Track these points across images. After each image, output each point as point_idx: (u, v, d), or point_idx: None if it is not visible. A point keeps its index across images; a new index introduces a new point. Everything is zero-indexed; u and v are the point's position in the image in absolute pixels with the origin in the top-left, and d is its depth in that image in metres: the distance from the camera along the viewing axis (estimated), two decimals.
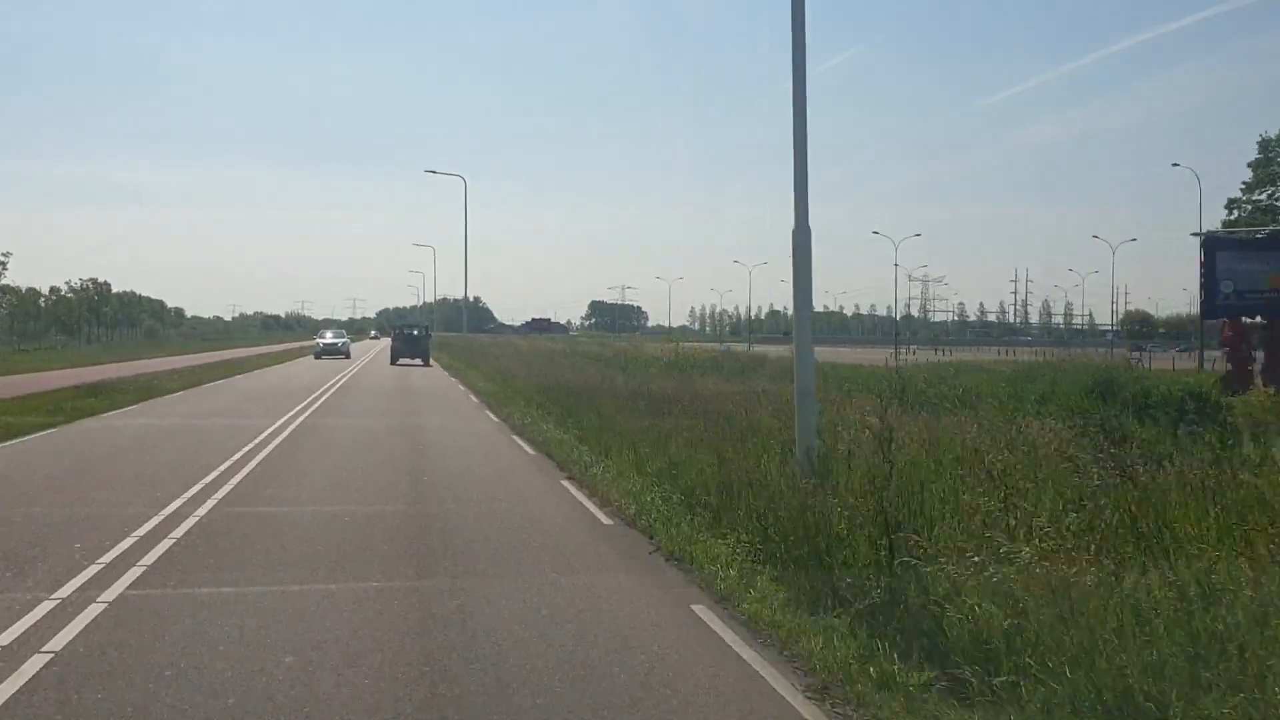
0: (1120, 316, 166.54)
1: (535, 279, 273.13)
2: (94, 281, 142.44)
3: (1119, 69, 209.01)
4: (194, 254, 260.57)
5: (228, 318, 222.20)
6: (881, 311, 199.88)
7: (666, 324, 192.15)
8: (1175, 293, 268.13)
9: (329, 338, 67.64)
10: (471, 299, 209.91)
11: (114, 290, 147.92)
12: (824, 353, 58.27)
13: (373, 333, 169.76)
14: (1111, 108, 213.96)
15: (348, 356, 62.46)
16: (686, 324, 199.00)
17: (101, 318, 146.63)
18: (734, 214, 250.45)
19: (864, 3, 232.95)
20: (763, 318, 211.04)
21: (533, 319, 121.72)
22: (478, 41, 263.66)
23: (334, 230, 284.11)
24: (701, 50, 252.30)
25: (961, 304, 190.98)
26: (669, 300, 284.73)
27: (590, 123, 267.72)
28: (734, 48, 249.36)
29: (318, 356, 61.46)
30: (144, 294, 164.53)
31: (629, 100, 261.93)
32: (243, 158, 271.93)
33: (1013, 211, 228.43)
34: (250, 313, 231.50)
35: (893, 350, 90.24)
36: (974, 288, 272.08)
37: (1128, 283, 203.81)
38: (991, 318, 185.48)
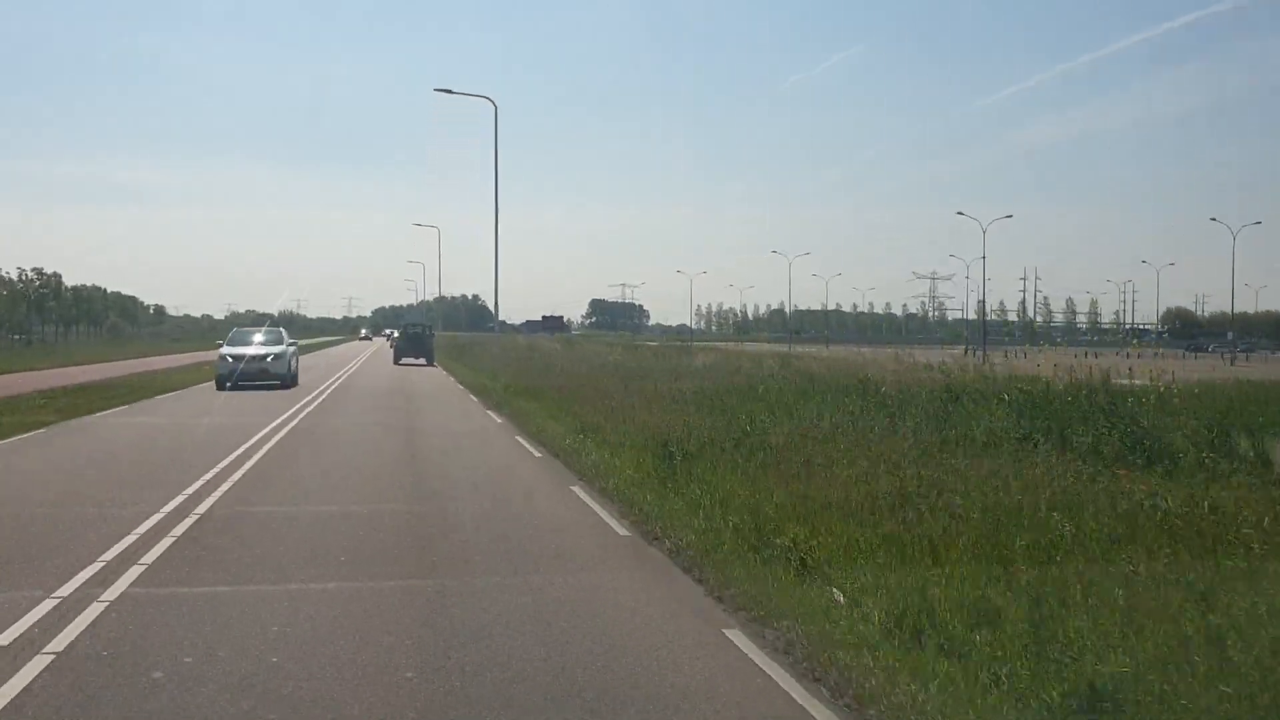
0: (1160, 313, 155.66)
1: (534, 277, 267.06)
2: (39, 273, 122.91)
3: (1118, 68, 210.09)
4: (194, 254, 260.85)
5: (218, 316, 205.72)
6: (887, 310, 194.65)
7: (666, 323, 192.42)
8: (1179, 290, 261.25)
9: (256, 344, 31.86)
10: (470, 297, 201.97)
11: (72, 284, 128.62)
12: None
13: (363, 332, 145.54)
14: (1111, 107, 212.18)
15: (286, 384, 30.85)
16: (684, 323, 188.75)
17: (47, 313, 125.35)
18: (733, 213, 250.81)
19: (864, 2, 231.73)
20: (765, 315, 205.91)
21: (543, 316, 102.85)
22: (478, 41, 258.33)
23: (333, 230, 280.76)
24: (701, 50, 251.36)
25: (981, 302, 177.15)
26: (690, 298, 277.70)
27: (590, 122, 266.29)
28: (734, 48, 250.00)
29: (222, 385, 29.76)
30: (112, 289, 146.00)
31: (628, 99, 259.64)
32: (243, 158, 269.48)
33: (1010, 211, 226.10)
34: (242, 311, 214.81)
35: (953, 350, 73.47)
36: (971, 286, 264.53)
37: (1134, 281, 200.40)
38: (1012, 316, 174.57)
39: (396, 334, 64.46)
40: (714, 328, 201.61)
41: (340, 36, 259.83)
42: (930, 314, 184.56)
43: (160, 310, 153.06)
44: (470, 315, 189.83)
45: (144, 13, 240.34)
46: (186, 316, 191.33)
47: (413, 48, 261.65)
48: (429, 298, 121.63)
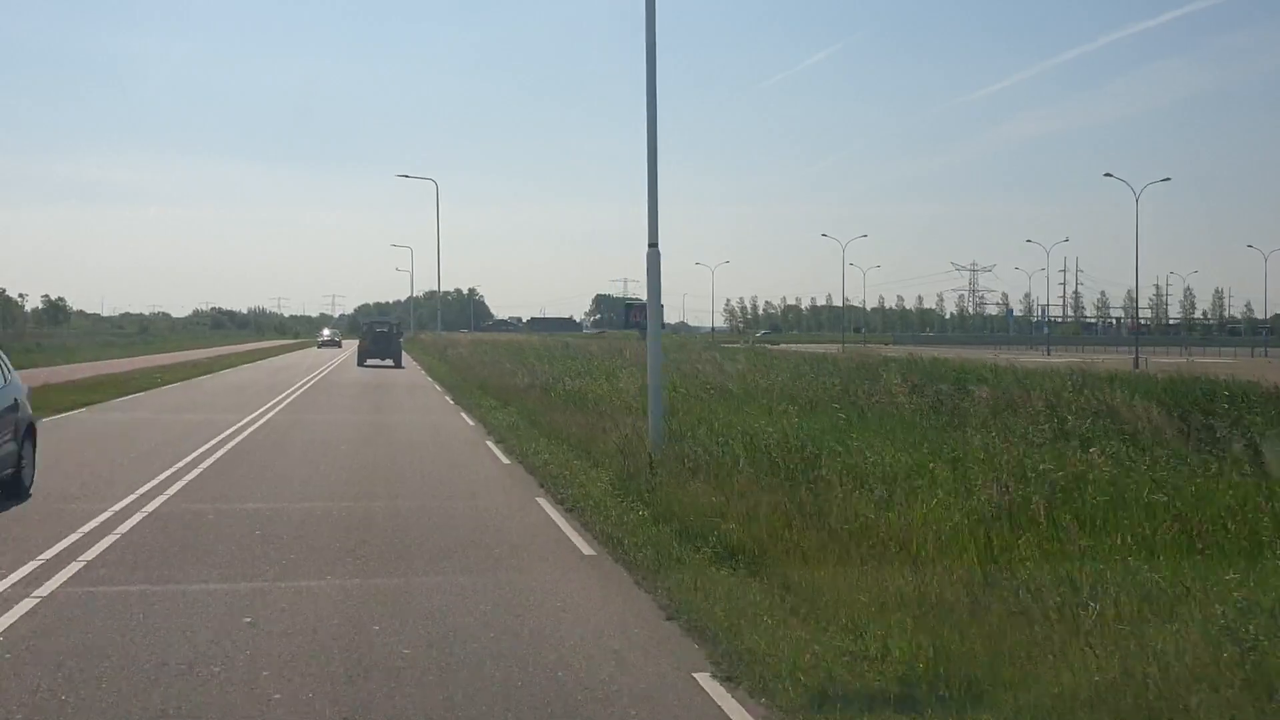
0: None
1: (534, 272, 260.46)
2: None
3: (1098, 65, 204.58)
4: (178, 253, 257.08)
5: (176, 315, 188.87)
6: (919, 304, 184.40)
7: (669, 319, 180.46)
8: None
9: None
10: (466, 292, 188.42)
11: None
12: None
13: (326, 333, 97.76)
14: (1092, 104, 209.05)
15: None
16: (682, 320, 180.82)
17: None
18: (719, 211, 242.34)
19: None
20: (773, 312, 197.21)
21: (627, 305, 66.79)
22: (479, 39, 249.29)
23: (321, 229, 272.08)
24: (683, 45, 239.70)
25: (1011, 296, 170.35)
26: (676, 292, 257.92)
27: (589, 118, 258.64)
28: (726, 47, 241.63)
29: None
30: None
31: (626, 95, 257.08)
32: (226, 157, 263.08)
33: (1001, 207, 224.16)
34: (206, 309, 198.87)
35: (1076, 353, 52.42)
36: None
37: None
38: (1054, 313, 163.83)
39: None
40: (738, 326, 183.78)
41: (329, 35, 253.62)
42: (971, 308, 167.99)
43: (58, 305, 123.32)
44: (465, 312, 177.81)
45: (129, 12, 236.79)
46: (163, 314, 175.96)
47: (407, 44, 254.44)
48: (419, 294, 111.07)
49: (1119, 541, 7.64)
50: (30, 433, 12.13)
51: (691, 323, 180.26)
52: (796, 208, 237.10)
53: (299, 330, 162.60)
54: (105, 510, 10.84)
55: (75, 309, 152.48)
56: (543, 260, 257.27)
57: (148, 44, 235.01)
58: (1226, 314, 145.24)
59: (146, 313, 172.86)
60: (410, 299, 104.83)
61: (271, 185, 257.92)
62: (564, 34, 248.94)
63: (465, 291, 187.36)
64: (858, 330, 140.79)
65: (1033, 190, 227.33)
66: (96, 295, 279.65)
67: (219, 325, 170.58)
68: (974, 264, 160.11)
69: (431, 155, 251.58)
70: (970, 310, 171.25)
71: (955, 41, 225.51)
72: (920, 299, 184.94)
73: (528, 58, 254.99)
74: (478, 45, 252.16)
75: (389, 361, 47.90)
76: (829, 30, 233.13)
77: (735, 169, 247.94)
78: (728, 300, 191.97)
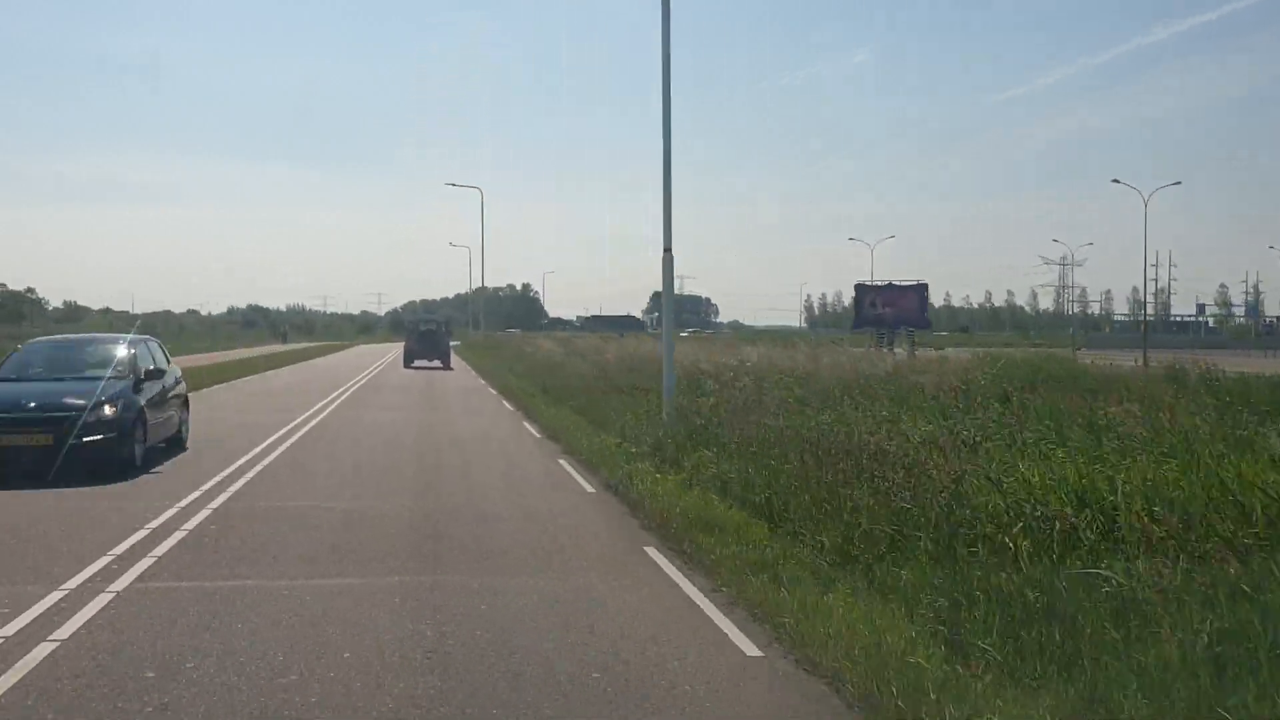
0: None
1: (586, 268, 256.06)
2: None
3: (1116, 67, 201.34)
4: (221, 252, 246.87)
5: (208, 311, 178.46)
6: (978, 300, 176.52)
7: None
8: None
9: None
10: (520, 288, 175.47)
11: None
12: None
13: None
14: (1100, 107, 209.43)
15: None
16: (736, 319, 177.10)
17: None
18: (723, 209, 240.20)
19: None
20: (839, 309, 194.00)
21: (860, 288, 42.91)
22: (484, 38, 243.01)
23: (367, 226, 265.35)
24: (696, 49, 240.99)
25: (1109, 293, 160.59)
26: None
27: (601, 114, 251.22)
28: (723, 45, 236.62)
29: None
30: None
31: (627, 88, 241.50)
32: (266, 157, 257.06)
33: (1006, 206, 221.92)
34: (243, 306, 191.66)
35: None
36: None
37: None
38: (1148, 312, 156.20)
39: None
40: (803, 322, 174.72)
41: (328, 33, 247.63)
42: (1066, 307, 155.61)
43: (19, 296, 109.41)
44: (517, 310, 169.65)
45: (121, 12, 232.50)
46: (193, 313, 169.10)
47: (406, 45, 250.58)
48: (465, 290, 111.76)
49: None
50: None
51: (748, 321, 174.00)
52: (796, 207, 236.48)
53: (337, 333, 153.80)
54: None
55: (99, 307, 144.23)
56: (556, 261, 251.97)
57: (148, 44, 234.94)
58: None
59: (180, 311, 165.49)
60: (478, 290, 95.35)
61: (293, 184, 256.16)
62: (579, 31, 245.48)
63: (519, 287, 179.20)
64: (965, 330, 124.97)
65: (1047, 191, 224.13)
66: (127, 293, 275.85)
67: (251, 324, 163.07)
68: (1064, 258, 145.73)
69: (437, 156, 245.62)
70: (1066, 309, 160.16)
71: (961, 45, 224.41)
72: (987, 295, 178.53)
73: (534, 59, 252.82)
74: (475, 44, 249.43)
75: (436, 363, 44.59)
76: (830, 34, 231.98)
77: (736, 169, 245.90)
78: (807, 296, 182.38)
